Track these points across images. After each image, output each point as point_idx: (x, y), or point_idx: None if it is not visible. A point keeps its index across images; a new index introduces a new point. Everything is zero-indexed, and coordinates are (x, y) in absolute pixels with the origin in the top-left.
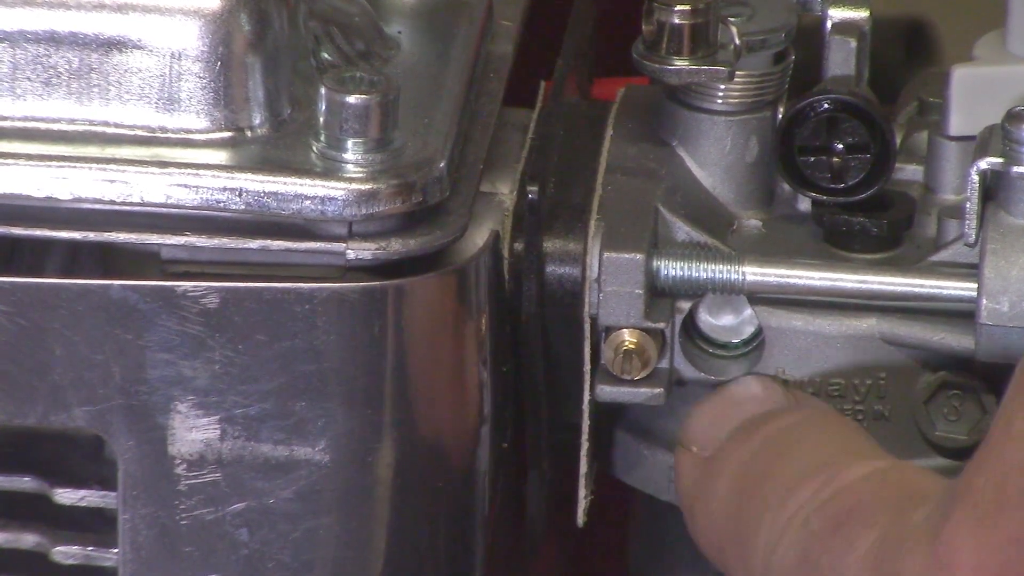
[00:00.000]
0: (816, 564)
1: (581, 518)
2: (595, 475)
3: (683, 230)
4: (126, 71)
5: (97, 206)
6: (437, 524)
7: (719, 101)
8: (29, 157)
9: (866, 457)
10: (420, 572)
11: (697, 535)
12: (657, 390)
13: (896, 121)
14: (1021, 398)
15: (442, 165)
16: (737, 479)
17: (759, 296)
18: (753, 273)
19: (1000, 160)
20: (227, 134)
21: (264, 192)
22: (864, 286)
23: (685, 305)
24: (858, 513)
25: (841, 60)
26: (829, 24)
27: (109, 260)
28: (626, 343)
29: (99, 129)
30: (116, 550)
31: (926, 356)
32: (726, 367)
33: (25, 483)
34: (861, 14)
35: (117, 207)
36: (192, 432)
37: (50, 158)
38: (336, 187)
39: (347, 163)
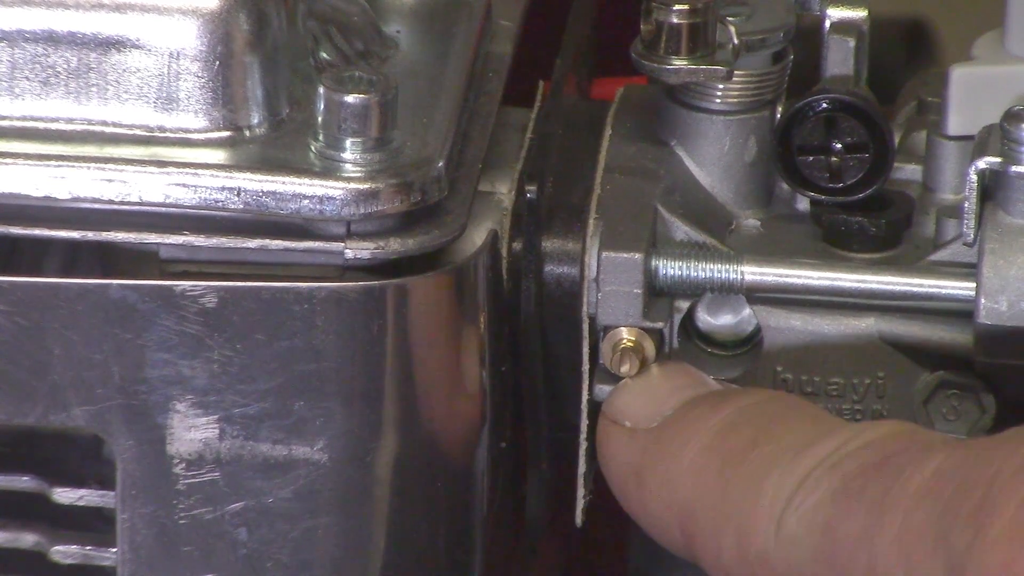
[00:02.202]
0: (859, 495)
1: (579, 518)
2: (594, 475)
3: (682, 229)
4: (124, 70)
5: (96, 205)
6: (436, 524)
7: (718, 101)
8: (27, 156)
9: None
10: (418, 572)
11: (647, 505)
12: None
13: (895, 121)
14: None
15: (441, 164)
16: (713, 443)
17: (757, 296)
18: (751, 272)
19: (999, 160)
20: (225, 133)
21: (263, 191)
22: (863, 285)
23: (684, 304)
24: (909, 448)
25: (840, 59)
26: (827, 23)
27: (108, 259)
28: (624, 342)
29: (97, 128)
30: (115, 549)
31: (925, 356)
32: (724, 366)
33: (24, 482)
34: (859, 13)
35: (116, 206)
36: (191, 431)
37: (48, 157)
38: (334, 186)
39: (346, 162)
